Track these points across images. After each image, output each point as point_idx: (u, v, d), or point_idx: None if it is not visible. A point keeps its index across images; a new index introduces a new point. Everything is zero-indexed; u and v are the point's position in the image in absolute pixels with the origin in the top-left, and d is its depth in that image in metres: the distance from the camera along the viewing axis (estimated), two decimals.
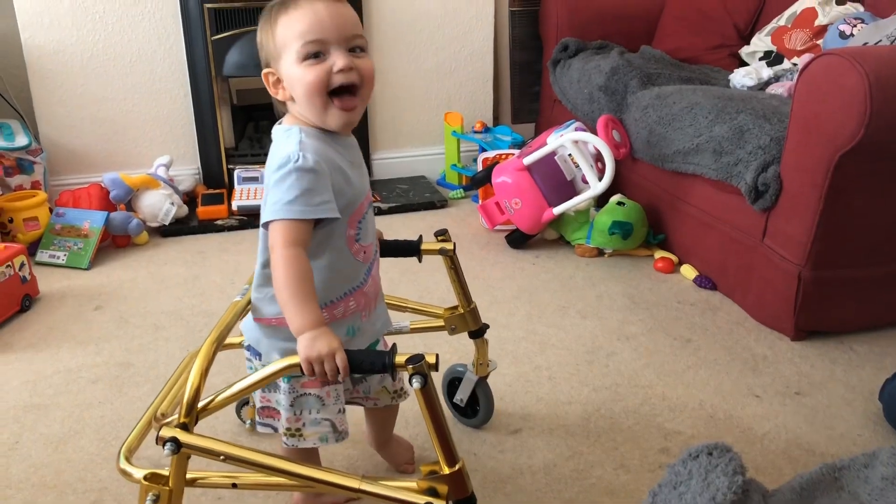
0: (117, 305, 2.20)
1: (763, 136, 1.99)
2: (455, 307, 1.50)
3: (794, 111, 1.86)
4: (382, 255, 1.36)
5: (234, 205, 2.77)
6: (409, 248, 1.40)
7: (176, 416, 1.05)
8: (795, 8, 2.65)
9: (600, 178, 2.39)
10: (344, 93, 1.11)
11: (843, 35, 2.30)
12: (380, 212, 2.88)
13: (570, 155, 2.48)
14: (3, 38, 2.90)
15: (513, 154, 2.80)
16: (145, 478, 1.03)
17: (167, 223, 2.69)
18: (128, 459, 1.16)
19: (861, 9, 2.49)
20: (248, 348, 1.27)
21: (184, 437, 0.99)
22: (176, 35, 2.84)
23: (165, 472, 1.02)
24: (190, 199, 2.91)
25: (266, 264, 1.16)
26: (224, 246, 2.62)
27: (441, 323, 1.51)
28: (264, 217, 1.08)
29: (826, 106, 1.75)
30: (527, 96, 3.44)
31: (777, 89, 2.41)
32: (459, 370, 1.63)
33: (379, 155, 3.21)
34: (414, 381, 0.96)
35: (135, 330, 2.06)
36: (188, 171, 3.01)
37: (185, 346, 1.97)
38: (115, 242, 2.61)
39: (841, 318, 1.98)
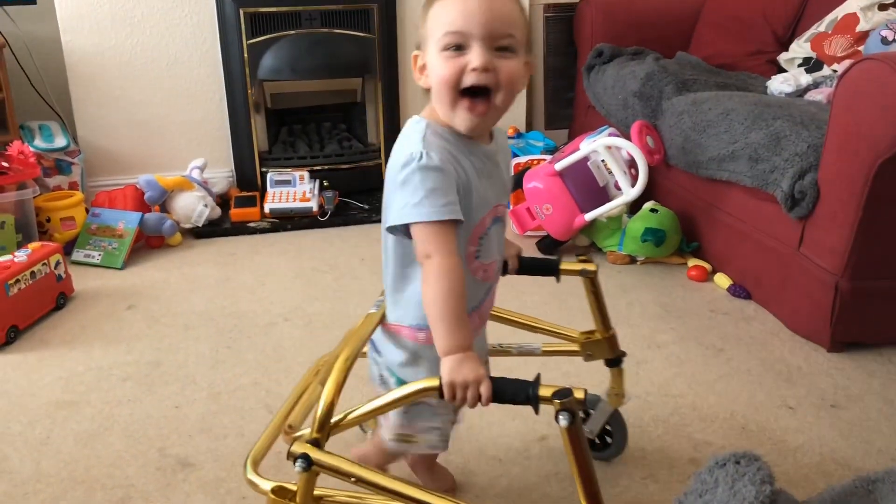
0: (149, 305, 2.22)
1: (800, 143, 1.95)
2: (592, 332, 1.41)
3: (833, 117, 1.82)
4: (519, 273, 1.31)
5: (267, 207, 2.79)
6: (548, 268, 1.33)
7: (306, 430, 1.03)
8: (836, 13, 2.59)
9: (633, 185, 2.36)
10: (477, 94, 1.02)
11: (885, 41, 2.25)
12: None
13: (602, 161, 2.46)
14: (45, 41, 2.96)
15: (545, 159, 2.78)
16: (273, 491, 1.00)
17: (200, 225, 2.72)
18: (255, 470, 1.13)
19: None
20: (371, 342, 1.22)
21: (315, 454, 0.96)
22: (212, 39, 2.88)
23: (293, 486, 0.99)
24: (223, 201, 2.94)
25: (392, 268, 1.12)
26: (256, 248, 2.64)
27: (575, 347, 1.42)
28: (390, 221, 1.02)
29: (866, 112, 1.71)
30: (560, 102, 3.42)
31: (816, 96, 2.36)
32: (591, 399, 1.50)
33: None
34: (561, 418, 0.90)
35: (165, 329, 2.08)
36: (222, 173, 3.04)
37: (215, 346, 1.98)
38: (148, 243, 2.64)
39: (880, 330, 1.93)
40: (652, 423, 1.65)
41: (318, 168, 2.97)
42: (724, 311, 2.15)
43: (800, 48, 2.68)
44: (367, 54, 2.92)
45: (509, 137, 3.14)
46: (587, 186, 2.46)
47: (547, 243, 2.54)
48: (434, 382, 0.96)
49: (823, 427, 1.64)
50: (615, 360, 1.44)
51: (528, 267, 1.34)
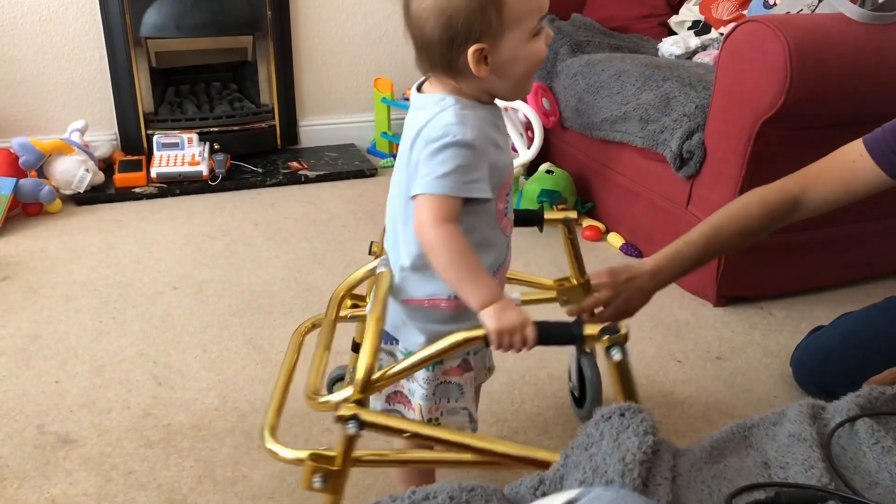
0: (26, 276, 2.09)
1: (688, 104, 2.00)
2: (565, 279, 1.41)
3: (718, 78, 1.87)
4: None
5: (154, 172, 2.67)
6: (532, 219, 1.33)
7: (336, 393, 1.06)
8: None
9: (529, 147, 2.37)
10: None
11: (766, 4, 2.32)
12: (307, 180, 2.81)
13: None
14: None
15: None
16: (311, 458, 0.97)
17: (82, 191, 2.57)
18: (273, 438, 1.08)
19: None
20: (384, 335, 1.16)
21: (365, 415, 0.94)
22: None
23: (330, 453, 0.97)
24: (107, 165, 2.78)
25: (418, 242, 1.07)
26: (142, 215, 2.52)
27: (551, 295, 1.42)
28: (415, 190, 1.00)
29: (748, 73, 1.76)
30: None
31: (704, 58, 2.42)
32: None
33: (307, 122, 3.13)
34: (614, 352, 0.95)
35: (44, 301, 1.96)
36: (104, 136, 2.88)
37: (98, 317, 1.88)
38: (25, 210, 2.48)
39: (762, 284, 2.02)
40: (547, 380, 1.67)
41: (208, 130, 2.85)
42: None
43: (689, 11, 2.74)
44: (257, 11, 2.81)
45: (406, 99, 3.09)
46: None
47: None
48: (477, 332, 0.97)
49: (709, 378, 1.70)
50: None
51: (515, 220, 1.35)
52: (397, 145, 2.97)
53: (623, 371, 0.96)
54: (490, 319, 0.97)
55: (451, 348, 0.99)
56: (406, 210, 1.06)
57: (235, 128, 2.90)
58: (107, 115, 2.87)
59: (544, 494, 0.73)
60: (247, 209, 2.57)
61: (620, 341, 0.95)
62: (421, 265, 1.08)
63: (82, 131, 2.70)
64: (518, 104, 2.38)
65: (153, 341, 1.79)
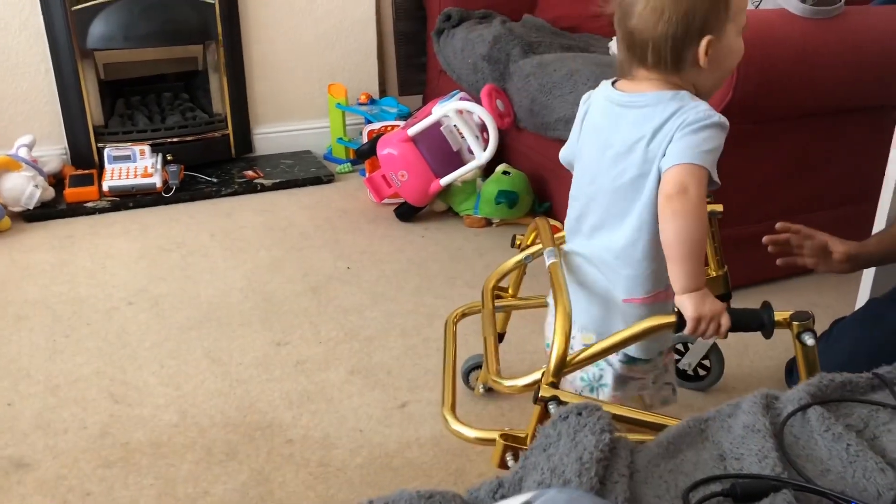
0: None
1: None
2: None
3: None
4: None
5: (106, 185, 2.62)
6: None
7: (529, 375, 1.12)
8: None
9: (485, 148, 2.37)
10: None
11: None
12: (263, 188, 2.79)
13: (455, 126, 2.46)
14: None
15: (399, 125, 2.75)
16: (503, 437, 1.03)
17: (31, 207, 2.52)
18: (456, 419, 1.18)
19: None
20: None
21: (564, 396, 0.99)
22: (32, 5, 2.64)
23: (520, 433, 1.03)
24: (57, 180, 2.72)
25: (643, 232, 1.09)
26: (95, 229, 2.47)
27: None
28: (678, 160, 1.01)
29: None
30: (413, 67, 3.39)
31: None
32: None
33: (261, 130, 3.09)
34: (806, 337, 1.00)
35: None
36: (54, 151, 2.81)
37: (51, 335, 1.84)
38: None
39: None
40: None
41: (161, 141, 2.80)
42: None
43: None
44: (206, 19, 2.77)
45: (361, 104, 3.08)
46: (441, 151, 2.45)
47: (404, 210, 2.53)
48: (668, 318, 1.02)
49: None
50: (724, 296, 1.49)
51: None
52: (353, 151, 2.98)
53: (811, 355, 1.01)
54: (691, 306, 1.01)
55: (644, 334, 1.03)
56: (628, 203, 1.09)
57: (188, 138, 2.86)
58: (55, 129, 2.81)
59: (503, 497, 0.73)
60: (202, 220, 2.53)
61: (810, 327, 1.00)
62: (654, 257, 1.10)
63: (30, 146, 2.64)
64: (473, 106, 2.39)
65: (109, 358, 1.76)
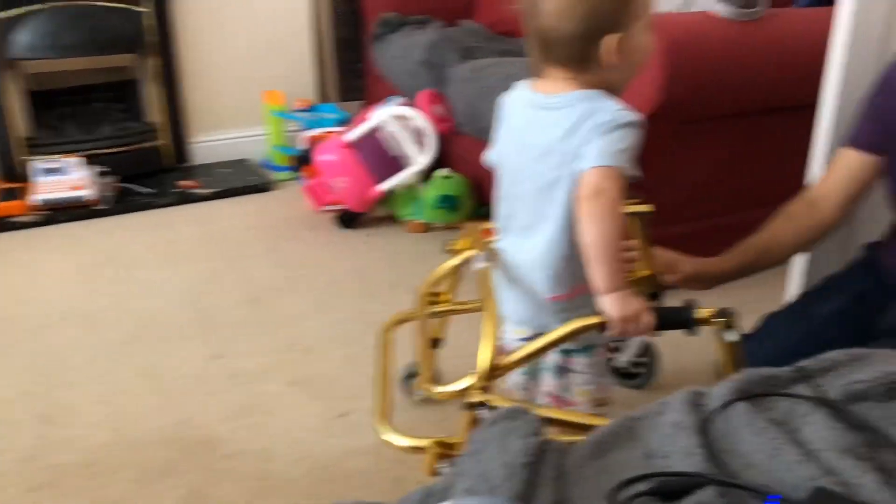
0: None
1: None
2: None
3: None
4: None
5: (38, 199, 2.54)
6: None
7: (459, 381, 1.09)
8: None
9: (424, 153, 2.37)
10: None
11: None
12: (201, 198, 2.74)
13: (393, 132, 2.45)
14: None
15: (339, 132, 2.73)
16: (436, 445, 1.01)
17: None
18: (387, 429, 1.16)
19: None
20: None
21: (494, 400, 0.98)
22: None
23: (453, 440, 1.02)
24: None
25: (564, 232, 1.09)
26: (25, 245, 2.40)
27: None
28: (592, 162, 1.01)
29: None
30: (352, 73, 3.37)
31: None
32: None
33: (197, 139, 3.04)
34: (729, 335, 1.02)
35: None
36: None
37: None
38: None
39: None
40: None
41: (94, 152, 2.73)
42: None
43: None
44: (137, 28, 2.71)
45: (299, 111, 3.05)
46: (380, 157, 2.44)
47: (345, 216, 2.51)
48: (593, 320, 1.03)
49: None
50: (654, 295, 1.45)
51: None
52: (292, 157, 2.95)
53: (736, 351, 1.03)
54: (614, 307, 1.02)
55: (572, 335, 1.04)
56: (548, 205, 1.08)
57: (122, 148, 2.80)
58: None
59: None
60: (138, 232, 2.47)
61: (733, 323, 1.02)
62: (570, 257, 1.09)
63: None
64: (409, 111, 2.39)
65: (38, 378, 1.70)
